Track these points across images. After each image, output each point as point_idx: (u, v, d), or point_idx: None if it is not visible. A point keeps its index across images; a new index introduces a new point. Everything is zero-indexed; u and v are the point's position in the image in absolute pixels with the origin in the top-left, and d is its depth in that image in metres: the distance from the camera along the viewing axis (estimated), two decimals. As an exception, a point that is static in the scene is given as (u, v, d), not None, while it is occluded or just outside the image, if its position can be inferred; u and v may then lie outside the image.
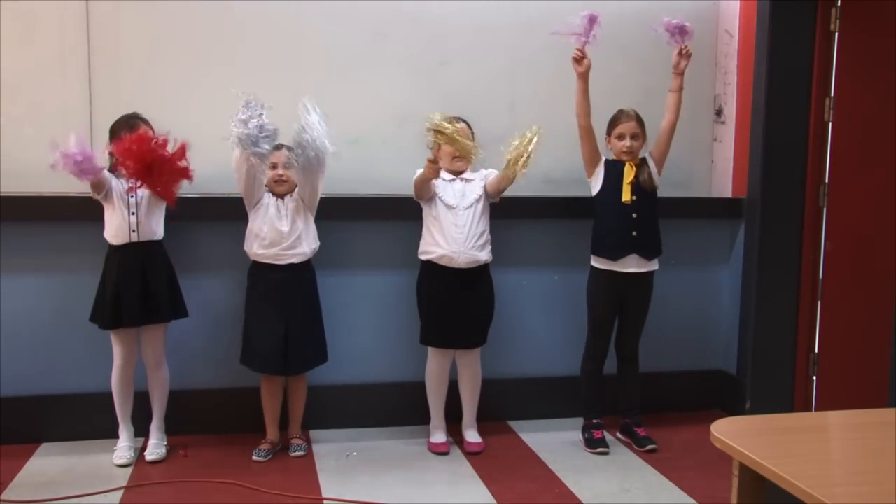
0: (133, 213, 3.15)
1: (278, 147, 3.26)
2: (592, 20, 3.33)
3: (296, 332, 3.29)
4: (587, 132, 3.43)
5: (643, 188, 3.42)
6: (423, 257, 3.42)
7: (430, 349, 3.47)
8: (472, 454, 3.40)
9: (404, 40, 3.63)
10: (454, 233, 3.34)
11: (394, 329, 3.64)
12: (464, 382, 3.51)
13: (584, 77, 3.40)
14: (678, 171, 3.64)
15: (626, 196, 3.39)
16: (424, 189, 3.36)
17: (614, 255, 3.44)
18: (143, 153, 2.97)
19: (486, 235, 3.41)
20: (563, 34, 3.32)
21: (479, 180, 3.43)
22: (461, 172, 3.43)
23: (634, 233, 3.42)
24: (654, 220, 3.49)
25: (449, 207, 3.36)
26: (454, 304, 3.35)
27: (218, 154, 3.44)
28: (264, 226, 3.27)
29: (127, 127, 3.15)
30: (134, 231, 3.15)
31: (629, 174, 3.41)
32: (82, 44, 3.38)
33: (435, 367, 3.47)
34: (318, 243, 3.36)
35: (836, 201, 3.68)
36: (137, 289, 3.14)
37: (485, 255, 3.39)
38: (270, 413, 3.40)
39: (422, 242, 3.44)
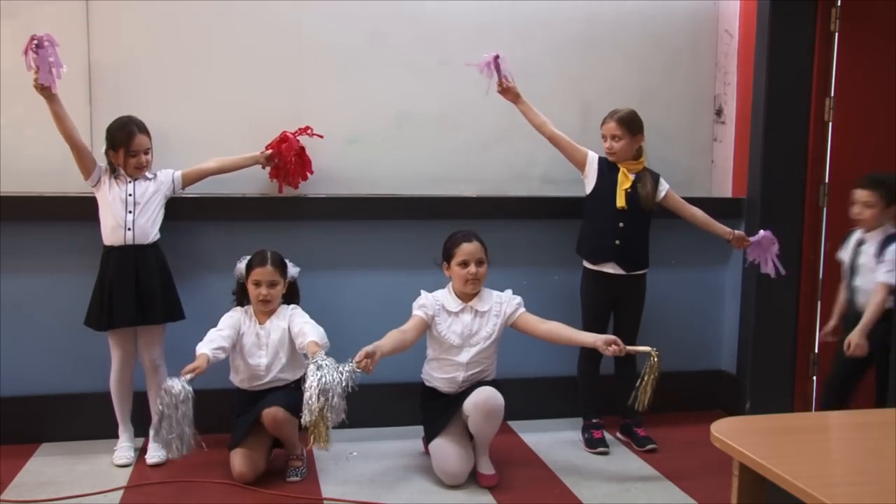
0: (130, 212, 3.14)
1: (262, 262, 3.12)
2: (495, 65, 3.32)
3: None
4: (554, 140, 3.43)
5: (640, 202, 3.40)
6: (424, 381, 3.25)
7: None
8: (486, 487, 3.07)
9: (404, 40, 3.63)
10: (452, 371, 3.13)
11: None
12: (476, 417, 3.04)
13: (517, 101, 3.39)
14: (678, 171, 3.64)
15: (621, 202, 3.36)
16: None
17: (593, 259, 3.45)
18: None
19: (493, 361, 3.20)
20: (474, 65, 3.32)
21: (493, 315, 3.13)
22: (471, 298, 3.14)
23: (618, 242, 3.39)
24: (641, 235, 3.47)
25: (452, 346, 3.12)
26: None
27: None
28: (237, 359, 3.15)
29: (124, 134, 3.13)
30: (129, 230, 3.13)
31: (624, 182, 3.39)
32: (82, 44, 3.37)
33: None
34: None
35: (836, 201, 3.68)
36: (131, 290, 3.11)
37: (490, 377, 3.20)
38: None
39: (425, 362, 3.25)
